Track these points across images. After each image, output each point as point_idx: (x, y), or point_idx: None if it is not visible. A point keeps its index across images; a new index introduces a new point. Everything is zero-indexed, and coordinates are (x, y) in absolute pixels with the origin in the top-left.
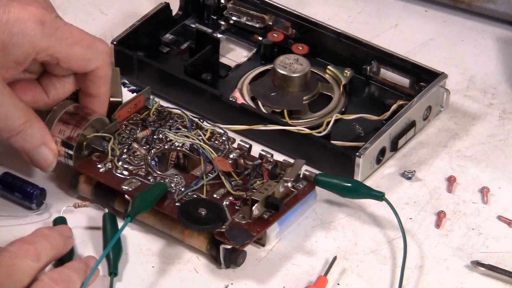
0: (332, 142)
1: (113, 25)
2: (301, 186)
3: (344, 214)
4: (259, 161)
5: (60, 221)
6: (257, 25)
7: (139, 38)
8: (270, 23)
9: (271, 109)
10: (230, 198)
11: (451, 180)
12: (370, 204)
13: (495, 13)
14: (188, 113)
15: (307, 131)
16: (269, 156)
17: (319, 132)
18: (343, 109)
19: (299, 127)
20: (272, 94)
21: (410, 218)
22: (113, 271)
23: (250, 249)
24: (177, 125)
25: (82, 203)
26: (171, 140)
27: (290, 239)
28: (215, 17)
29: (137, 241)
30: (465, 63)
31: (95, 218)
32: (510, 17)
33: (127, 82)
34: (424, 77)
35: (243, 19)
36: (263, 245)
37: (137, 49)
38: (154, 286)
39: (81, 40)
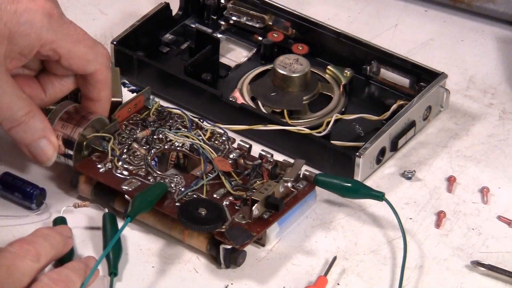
0: (332, 142)
1: (113, 25)
2: (301, 186)
3: (344, 214)
4: (259, 161)
5: (60, 221)
6: (257, 25)
7: (139, 38)
8: (270, 23)
9: (271, 109)
10: (230, 198)
11: (451, 180)
12: (370, 204)
13: (495, 13)
14: (188, 113)
15: (307, 131)
16: (269, 156)
17: (319, 132)
18: (343, 109)
19: (299, 127)
20: (272, 94)
21: (410, 218)
22: (113, 271)
23: (250, 249)
24: (177, 125)
25: (82, 203)
26: (171, 140)
27: (290, 239)
28: (215, 17)
29: (137, 241)
30: (465, 63)
31: (95, 218)
32: (510, 17)
33: (127, 82)
34: (424, 77)
35: (243, 19)
36: (263, 245)
37: (137, 49)
38: (154, 286)
39: (84, 40)
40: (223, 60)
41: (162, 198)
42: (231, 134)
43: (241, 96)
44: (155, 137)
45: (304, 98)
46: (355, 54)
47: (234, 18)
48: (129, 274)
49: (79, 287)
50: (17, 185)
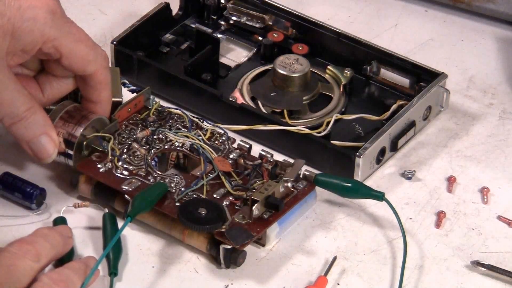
0: (332, 142)
1: (113, 25)
2: (301, 186)
3: (344, 214)
4: (259, 161)
5: (60, 221)
6: (257, 25)
7: (139, 38)
8: (270, 23)
9: (271, 109)
10: (230, 198)
11: (451, 180)
12: (370, 204)
13: (495, 13)
14: (188, 113)
15: (307, 131)
16: (269, 156)
17: (319, 132)
18: (343, 109)
19: (299, 127)
20: (272, 94)
21: (410, 218)
22: (113, 271)
23: (250, 249)
24: (177, 125)
25: (82, 203)
26: (171, 140)
27: (290, 239)
28: (215, 17)
29: (137, 241)
30: (465, 63)
31: (95, 218)
32: (510, 17)
33: (127, 82)
34: (424, 77)
35: (243, 19)
36: (263, 245)
37: (137, 49)
38: (154, 286)
39: (85, 40)
40: (223, 60)
41: (162, 198)
42: (231, 134)
43: (241, 96)
44: (155, 137)
45: (304, 98)
46: (355, 54)
47: (234, 18)
48: (129, 274)
49: (79, 287)
50: (17, 185)
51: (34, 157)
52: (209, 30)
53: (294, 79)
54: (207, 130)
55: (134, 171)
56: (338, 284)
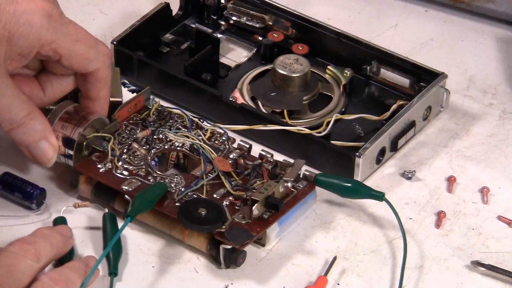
0: (332, 142)
1: (113, 25)
2: (301, 186)
3: (344, 214)
4: (259, 161)
5: (60, 221)
6: (257, 25)
7: (139, 38)
8: (270, 23)
9: (271, 109)
10: (230, 198)
11: (451, 180)
12: (370, 204)
13: (495, 13)
14: (188, 113)
15: (307, 131)
16: (269, 156)
17: (319, 132)
18: (343, 109)
19: (299, 127)
20: (272, 94)
21: (410, 218)
22: (113, 271)
23: (250, 249)
24: (177, 125)
25: (82, 203)
26: (171, 140)
27: (290, 239)
28: (215, 17)
29: (137, 241)
30: (465, 63)
31: (95, 218)
32: (510, 17)
33: (127, 82)
34: (424, 77)
35: (243, 19)
36: (263, 245)
37: (137, 49)
38: (154, 286)
39: (84, 38)
40: (223, 60)
41: (162, 198)
42: (231, 134)
43: (241, 96)
44: (155, 137)
45: (304, 98)
46: (355, 54)
47: (234, 18)
48: (129, 274)
49: (79, 287)
50: (17, 185)
51: (34, 161)
52: (209, 30)
53: (294, 79)
54: (207, 130)
55: (134, 171)
56: (338, 284)
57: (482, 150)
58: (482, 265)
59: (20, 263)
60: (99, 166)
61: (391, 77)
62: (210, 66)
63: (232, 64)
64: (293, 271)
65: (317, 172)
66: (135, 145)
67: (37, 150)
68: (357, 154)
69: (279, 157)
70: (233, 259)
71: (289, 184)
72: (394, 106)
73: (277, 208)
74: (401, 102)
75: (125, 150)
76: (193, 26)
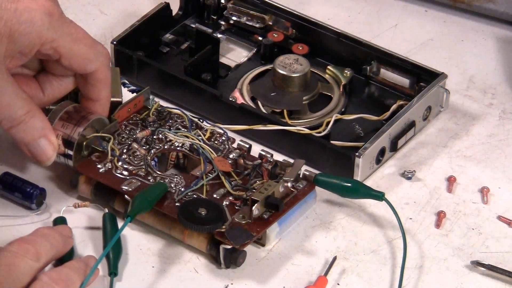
0: (332, 142)
1: (113, 25)
2: (301, 186)
3: (344, 214)
4: (259, 161)
5: (60, 221)
6: (257, 25)
7: (139, 38)
8: (270, 23)
9: (271, 109)
10: (230, 198)
11: (451, 180)
12: (370, 204)
13: (495, 13)
14: (188, 113)
15: (307, 131)
16: (269, 156)
17: (319, 132)
18: (343, 109)
19: (299, 127)
20: (272, 94)
21: (410, 218)
22: (113, 271)
23: (250, 249)
24: (177, 125)
25: (82, 203)
26: (171, 140)
27: (290, 239)
28: (215, 17)
29: (137, 241)
30: (465, 63)
31: (95, 218)
32: (510, 17)
33: (127, 82)
34: (424, 77)
35: (243, 19)
36: (263, 245)
37: (137, 49)
38: (154, 286)
39: (84, 39)
40: (223, 60)
41: (162, 198)
42: (231, 134)
43: (241, 96)
44: (155, 137)
45: (304, 98)
46: (355, 54)
47: (234, 18)
48: (129, 274)
49: (79, 287)
50: (17, 185)
51: (33, 159)
52: (209, 30)
53: (294, 79)
54: (207, 130)
55: (134, 171)
56: (338, 284)
57: (482, 150)
58: (482, 265)
59: (20, 262)
60: (99, 166)
61: (391, 77)
62: (210, 66)
63: (232, 64)
64: (293, 271)
65: (317, 172)
66: (135, 145)
67: (36, 148)
68: (357, 154)
69: (279, 157)
70: (233, 259)
71: (289, 184)
72: (394, 106)
73: (277, 208)
74: (401, 102)
75: (125, 150)
76: (193, 26)
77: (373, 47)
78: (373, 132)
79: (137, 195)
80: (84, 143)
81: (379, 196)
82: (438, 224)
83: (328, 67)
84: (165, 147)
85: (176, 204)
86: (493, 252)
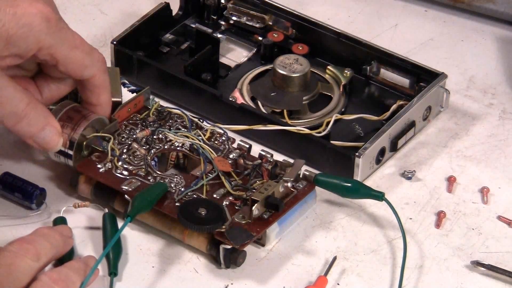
0: (332, 142)
1: (113, 25)
2: (301, 186)
3: (344, 214)
4: (259, 161)
5: (60, 221)
6: (257, 25)
7: (139, 38)
8: (270, 23)
9: (271, 109)
10: (230, 198)
11: (451, 180)
12: (370, 204)
13: (495, 13)
14: (188, 113)
15: (307, 131)
16: (269, 156)
17: (319, 132)
18: (343, 109)
19: (299, 127)
20: (272, 94)
21: (410, 218)
22: (113, 271)
23: (250, 249)
24: (177, 125)
25: (82, 203)
26: (171, 140)
27: (290, 239)
28: (215, 17)
29: (137, 241)
30: (465, 63)
31: (95, 218)
32: (510, 17)
33: (127, 82)
34: (424, 77)
35: (243, 19)
36: (263, 245)
37: (137, 49)
38: (154, 286)
39: (81, 45)
40: (223, 60)
41: (162, 198)
42: (231, 134)
43: (241, 96)
44: (155, 137)
45: (304, 98)
46: (355, 54)
47: (234, 18)
48: (129, 274)
49: (79, 287)
50: (17, 185)
51: (40, 149)
52: (209, 30)
53: (294, 79)
54: (207, 130)
55: (134, 171)
56: (338, 284)
57: (482, 150)
58: (482, 265)
59: (19, 262)
60: (99, 166)
61: (391, 77)
62: (210, 66)
63: (232, 64)
64: (293, 271)
65: (317, 172)
66: (135, 145)
67: (43, 138)
68: (357, 154)
69: (279, 157)
70: (233, 259)
71: (289, 184)
72: (394, 106)
73: (277, 208)
74: (401, 102)
75: (125, 150)
76: (193, 26)
77: (373, 47)
78: (373, 132)
79: (137, 195)
80: (84, 143)
81: (379, 196)
82: (438, 224)
83: (328, 67)
84: (165, 147)
85: (176, 204)
86: (493, 252)
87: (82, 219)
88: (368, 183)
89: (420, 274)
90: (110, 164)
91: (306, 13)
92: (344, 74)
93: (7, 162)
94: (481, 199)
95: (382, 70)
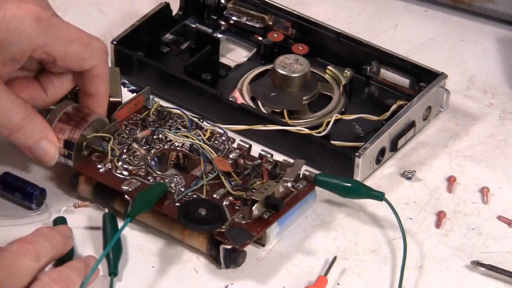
0: (332, 142)
1: (113, 25)
2: (301, 186)
3: (344, 214)
4: (259, 161)
5: (60, 221)
6: (257, 25)
7: (139, 38)
8: (270, 23)
9: (271, 109)
10: (230, 198)
11: (451, 180)
12: (370, 204)
13: (495, 13)
14: (188, 113)
15: (307, 131)
16: (269, 156)
17: (319, 132)
18: (343, 109)
19: (299, 127)
20: (272, 94)
21: (410, 218)
22: (113, 271)
23: (250, 249)
24: (177, 125)
25: (82, 203)
26: (171, 140)
27: (290, 239)
28: (215, 17)
29: (137, 241)
30: (465, 63)
31: (95, 218)
32: (510, 17)
33: (127, 82)
34: (424, 77)
35: (243, 19)
36: (263, 245)
37: (137, 49)
38: (154, 286)
39: (77, 38)
40: (223, 60)
41: (162, 198)
42: (231, 134)
43: (241, 96)
44: (155, 137)
45: (304, 98)
46: (355, 54)
47: (234, 18)
48: (129, 274)
49: (79, 287)
50: (17, 185)
51: (37, 161)
52: (209, 30)
53: (294, 79)
54: (206, 130)
55: (134, 171)
56: (338, 284)
57: (482, 150)
58: (482, 265)
59: (20, 262)
60: (99, 166)
61: (391, 77)
62: (210, 66)
63: (232, 64)
64: (293, 271)
65: (317, 172)
66: (135, 145)
67: (38, 151)
68: (357, 154)
69: (279, 157)
70: (233, 259)
71: (289, 184)
72: (394, 106)
73: (277, 208)
74: (401, 102)
75: (125, 150)
76: (193, 26)
77: (373, 47)
78: (373, 132)
79: (137, 195)
80: (84, 143)
81: (379, 196)
82: (438, 224)
83: (328, 67)
84: (165, 147)
85: (176, 204)
86: (493, 252)
87: (82, 219)
88: (368, 183)
89: (420, 274)
90: (110, 164)
91: (306, 13)
92: (344, 74)
93: (7, 162)
94: (481, 199)
95: (382, 70)
